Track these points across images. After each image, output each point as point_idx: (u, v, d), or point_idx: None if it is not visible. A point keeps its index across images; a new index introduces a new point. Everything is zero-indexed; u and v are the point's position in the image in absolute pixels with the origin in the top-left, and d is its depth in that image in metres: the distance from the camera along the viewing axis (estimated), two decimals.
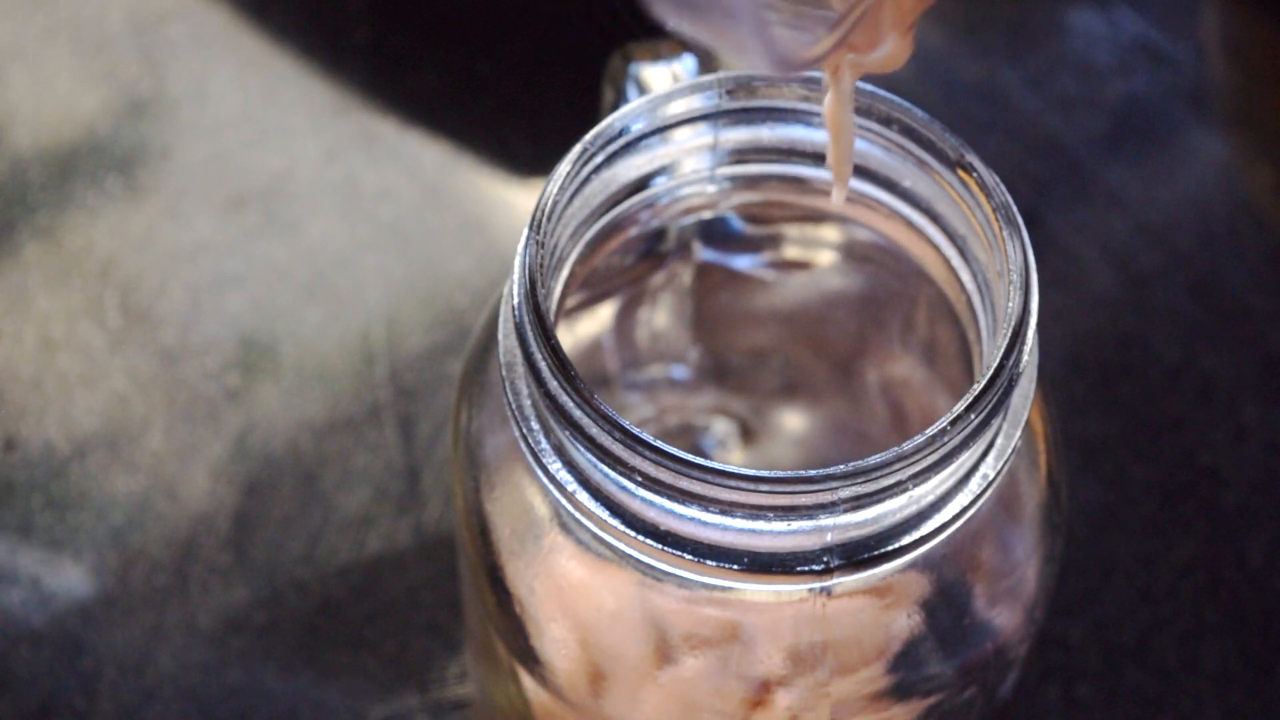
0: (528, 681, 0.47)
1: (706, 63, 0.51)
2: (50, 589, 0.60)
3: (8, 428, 0.63)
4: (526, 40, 0.70)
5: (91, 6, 0.72)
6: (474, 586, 0.47)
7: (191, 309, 0.65)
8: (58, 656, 0.59)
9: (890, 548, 0.41)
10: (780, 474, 0.39)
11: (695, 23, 0.36)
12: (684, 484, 0.40)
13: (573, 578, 0.44)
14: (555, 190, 0.43)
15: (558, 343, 0.40)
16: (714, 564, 0.40)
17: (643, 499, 0.40)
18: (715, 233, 0.50)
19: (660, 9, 0.36)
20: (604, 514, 0.41)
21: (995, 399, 0.40)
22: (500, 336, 0.43)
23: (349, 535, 0.61)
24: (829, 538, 0.40)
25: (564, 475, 0.41)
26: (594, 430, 0.40)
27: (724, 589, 0.42)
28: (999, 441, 0.42)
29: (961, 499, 0.41)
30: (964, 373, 0.48)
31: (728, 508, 0.40)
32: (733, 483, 0.39)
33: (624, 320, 0.53)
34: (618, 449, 0.40)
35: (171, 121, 0.69)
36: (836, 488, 0.39)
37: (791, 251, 0.52)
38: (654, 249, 0.50)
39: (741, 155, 0.46)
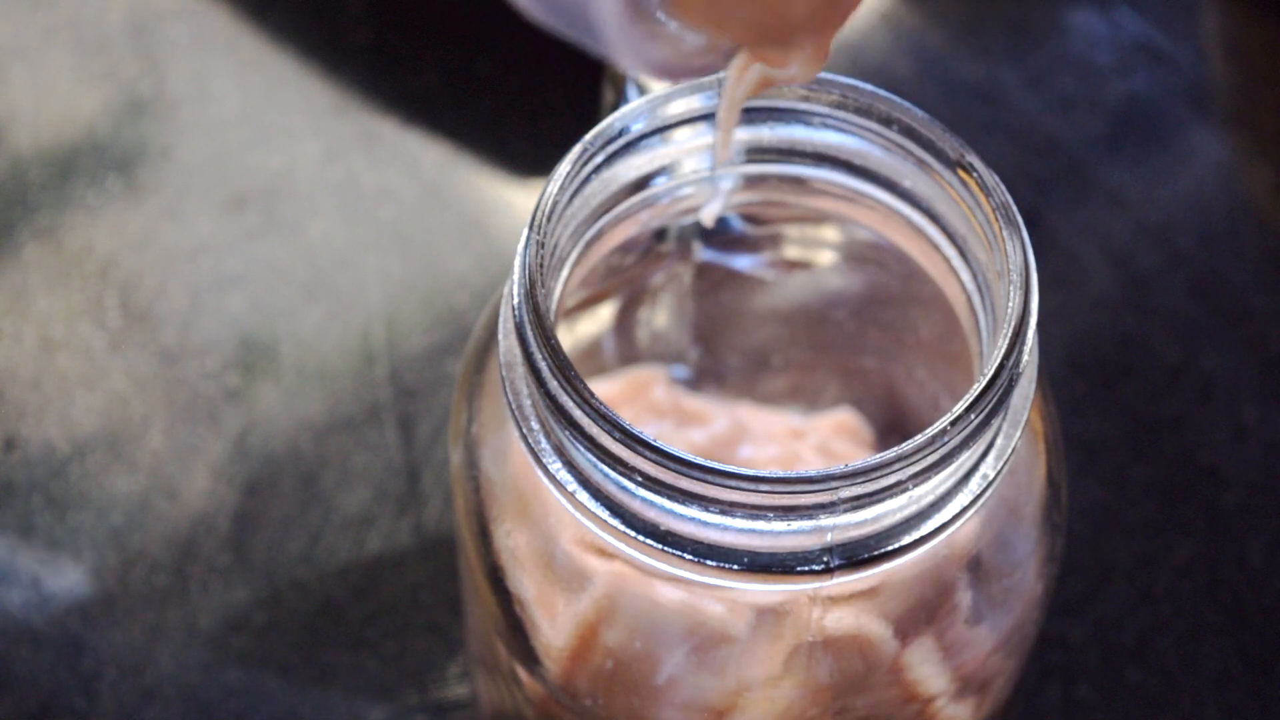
0: (528, 681, 0.47)
1: None
2: (50, 589, 0.60)
3: (8, 428, 0.63)
4: (526, 40, 0.70)
5: (91, 6, 0.72)
6: (474, 587, 0.47)
7: (191, 309, 0.65)
8: (58, 657, 0.59)
9: (890, 548, 0.41)
10: (780, 474, 0.39)
11: (564, 28, 0.36)
12: (684, 484, 0.40)
13: (572, 579, 0.44)
14: (555, 190, 0.43)
15: (558, 343, 0.40)
16: (714, 564, 0.40)
17: (643, 499, 0.40)
18: (715, 233, 0.50)
19: (530, 10, 0.35)
20: (604, 514, 0.41)
21: (995, 399, 0.40)
22: (500, 336, 0.43)
23: (349, 535, 0.61)
24: (829, 538, 0.40)
25: (564, 475, 0.41)
26: (594, 430, 0.40)
27: (724, 589, 0.42)
28: (999, 441, 0.42)
29: (961, 499, 0.41)
30: (964, 373, 0.48)
31: (728, 508, 0.40)
32: (733, 483, 0.39)
33: (624, 320, 0.53)
34: (618, 449, 0.40)
35: (171, 121, 0.69)
36: (836, 488, 0.39)
37: (791, 251, 0.52)
38: (654, 249, 0.50)
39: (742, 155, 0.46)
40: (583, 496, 0.41)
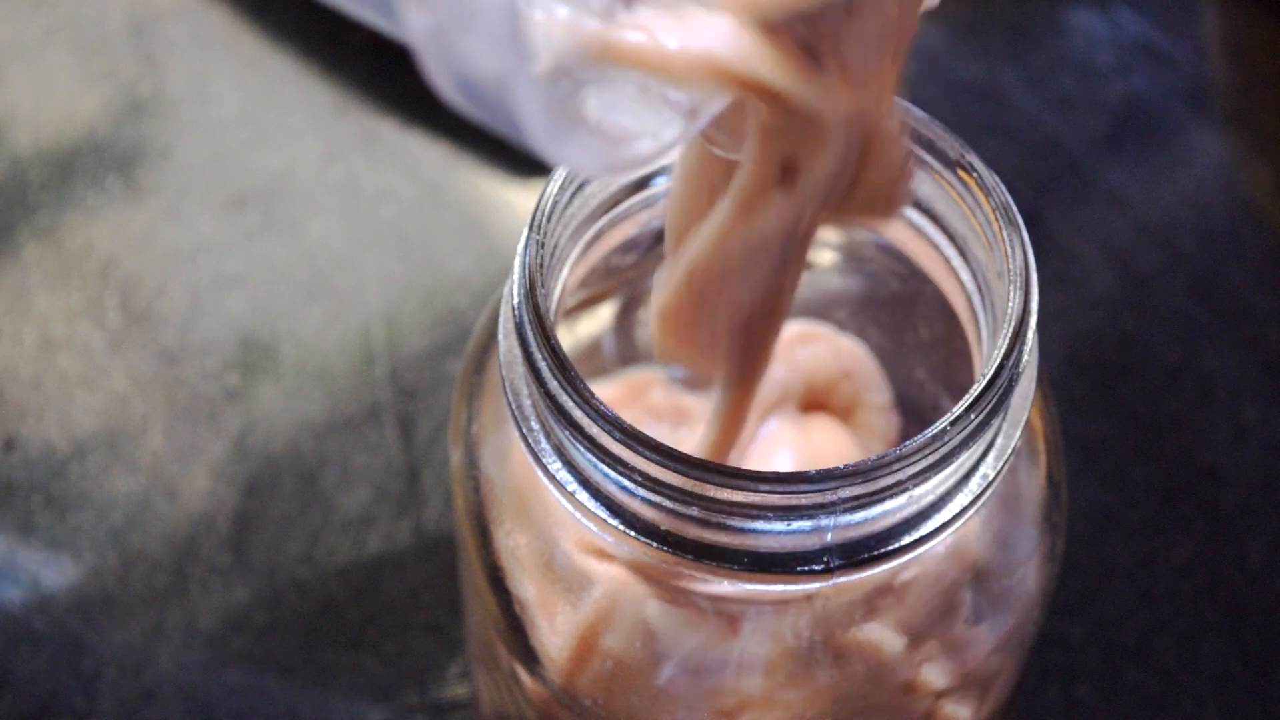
0: (528, 682, 0.47)
1: None
2: (50, 589, 0.60)
3: (8, 428, 0.63)
4: None
5: (91, 6, 0.72)
6: (474, 587, 0.47)
7: (191, 309, 0.65)
8: (58, 657, 0.59)
9: (890, 547, 0.41)
10: (780, 474, 0.39)
11: (489, 121, 0.35)
12: (684, 484, 0.40)
13: (572, 579, 0.44)
14: (555, 190, 0.43)
15: (558, 343, 0.40)
16: (714, 564, 0.40)
17: (643, 499, 0.40)
18: None
19: (450, 98, 0.34)
20: (604, 514, 0.41)
21: (995, 399, 0.40)
22: (500, 336, 0.43)
23: (349, 535, 0.61)
24: (829, 538, 0.40)
25: (564, 475, 0.41)
26: (594, 430, 0.40)
27: (724, 589, 0.42)
28: (999, 441, 0.42)
29: (961, 499, 0.41)
30: (964, 373, 0.48)
31: (728, 508, 0.40)
32: (733, 483, 0.39)
33: (624, 320, 0.53)
34: (618, 449, 0.40)
35: (171, 121, 0.69)
36: (836, 488, 0.39)
37: None
38: (654, 249, 0.50)
39: None
40: (583, 497, 0.41)
